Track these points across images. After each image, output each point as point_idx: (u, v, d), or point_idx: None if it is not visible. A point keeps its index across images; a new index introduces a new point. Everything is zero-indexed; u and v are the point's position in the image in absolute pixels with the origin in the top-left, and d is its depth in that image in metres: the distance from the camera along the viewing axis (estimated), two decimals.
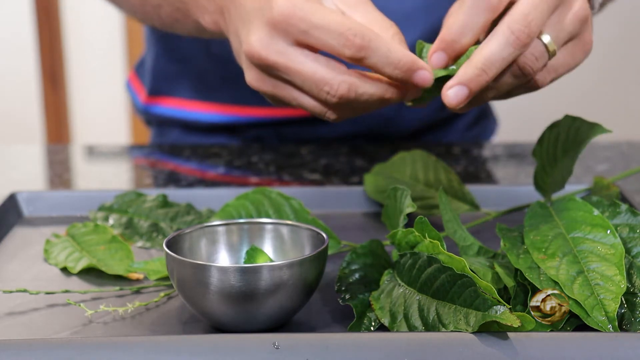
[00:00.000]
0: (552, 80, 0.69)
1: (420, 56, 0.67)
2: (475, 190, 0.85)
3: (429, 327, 0.56)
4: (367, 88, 0.64)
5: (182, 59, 1.12)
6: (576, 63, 0.69)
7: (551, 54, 0.66)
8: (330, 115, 0.67)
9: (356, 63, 0.64)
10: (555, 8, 0.66)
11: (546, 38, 0.66)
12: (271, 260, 0.66)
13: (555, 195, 0.76)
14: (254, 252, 0.66)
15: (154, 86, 1.17)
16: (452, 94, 0.64)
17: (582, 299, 0.58)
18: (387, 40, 0.64)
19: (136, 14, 0.99)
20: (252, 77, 0.67)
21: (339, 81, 0.64)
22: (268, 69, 0.66)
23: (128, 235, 0.78)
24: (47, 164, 1.13)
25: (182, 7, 0.83)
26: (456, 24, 0.65)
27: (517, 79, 0.66)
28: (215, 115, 1.13)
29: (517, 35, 0.64)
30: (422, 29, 1.06)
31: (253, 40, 0.65)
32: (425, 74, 0.64)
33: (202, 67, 1.11)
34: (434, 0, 1.06)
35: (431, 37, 1.06)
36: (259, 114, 1.11)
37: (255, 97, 1.11)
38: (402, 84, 0.65)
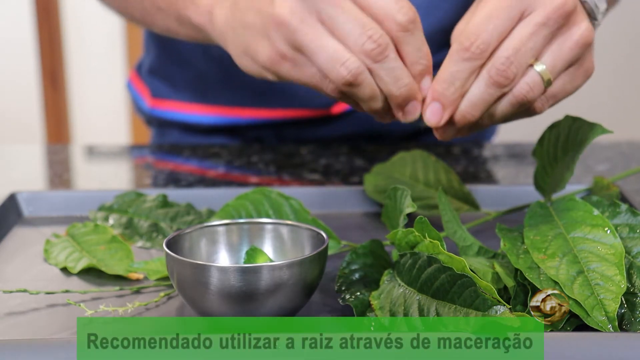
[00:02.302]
0: (551, 106, 0.70)
1: None
2: (475, 190, 0.85)
3: (429, 327, 0.56)
4: (397, 58, 0.65)
5: (181, 62, 1.12)
6: (575, 88, 0.70)
7: (546, 83, 0.67)
8: (349, 64, 0.64)
9: (396, 37, 0.64)
10: (552, 37, 0.66)
11: (540, 67, 0.66)
12: (271, 260, 0.66)
13: (555, 195, 0.76)
14: (253, 252, 0.66)
15: (153, 89, 1.17)
16: (441, 130, 0.69)
17: (582, 299, 0.58)
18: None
19: (115, 2, 0.97)
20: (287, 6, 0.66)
21: (380, 32, 0.64)
22: None
23: (128, 235, 0.78)
24: (47, 164, 1.13)
25: None
26: (444, 73, 0.66)
27: (514, 107, 0.68)
28: (214, 117, 1.13)
29: (495, 79, 0.66)
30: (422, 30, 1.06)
31: None
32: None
33: (201, 69, 1.11)
34: (434, 2, 1.06)
35: (431, 38, 1.07)
36: (258, 116, 1.11)
37: (255, 99, 1.11)
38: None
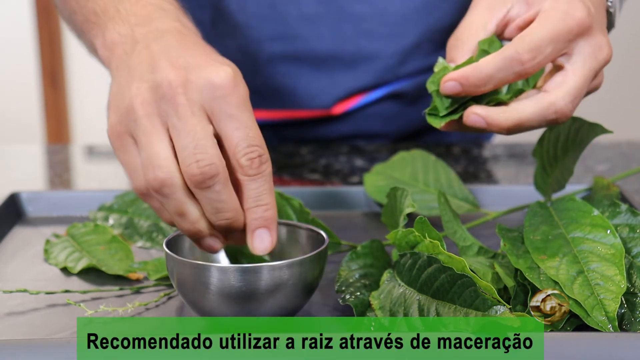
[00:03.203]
0: None
1: (438, 75, 0.66)
2: (475, 190, 0.85)
3: (429, 327, 0.56)
4: (221, 191, 0.59)
5: None
6: None
7: None
8: (160, 171, 0.59)
9: (238, 178, 0.60)
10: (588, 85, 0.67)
11: None
12: (271, 260, 0.66)
13: (555, 196, 0.76)
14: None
15: None
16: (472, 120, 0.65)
17: (582, 299, 0.58)
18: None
19: (62, 12, 0.95)
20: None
21: (210, 161, 0.58)
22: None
23: (128, 235, 0.78)
24: (47, 164, 1.13)
25: (93, 19, 0.76)
26: (485, 71, 0.64)
27: None
28: None
29: (556, 116, 0.64)
30: (421, 30, 1.07)
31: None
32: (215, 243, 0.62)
33: None
34: (433, 2, 1.06)
35: (430, 38, 1.08)
36: (259, 117, 1.11)
37: (255, 100, 1.11)
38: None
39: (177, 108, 0.59)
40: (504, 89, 0.67)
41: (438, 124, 0.66)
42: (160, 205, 0.61)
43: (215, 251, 0.62)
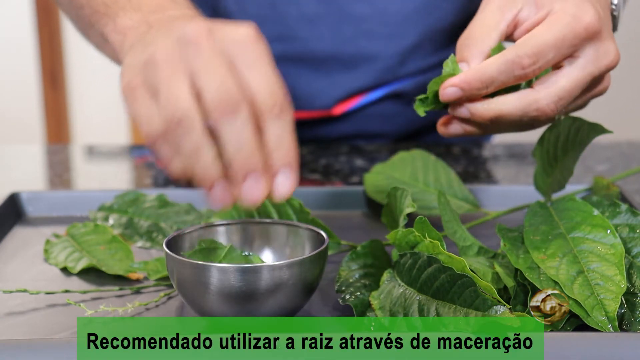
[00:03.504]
0: None
1: (444, 77, 0.66)
2: (475, 190, 0.85)
3: (429, 327, 0.56)
4: (248, 121, 0.57)
5: None
6: None
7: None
8: (181, 103, 0.57)
9: (260, 118, 0.58)
10: (586, 91, 0.67)
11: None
12: (271, 261, 0.66)
13: (555, 196, 0.76)
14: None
15: None
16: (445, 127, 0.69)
17: (582, 299, 0.58)
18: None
19: (67, 10, 0.95)
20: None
21: (237, 90, 0.57)
22: None
23: (128, 235, 0.78)
24: (47, 164, 1.13)
25: (103, 10, 0.77)
26: (487, 73, 0.64)
27: (515, 126, 0.68)
28: None
29: (537, 114, 0.65)
30: (421, 30, 1.07)
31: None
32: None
33: None
34: (434, 2, 1.06)
35: (430, 38, 1.08)
36: None
37: None
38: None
39: (201, 52, 0.58)
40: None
41: (422, 111, 0.68)
42: (173, 151, 0.58)
43: (225, 206, 0.58)
